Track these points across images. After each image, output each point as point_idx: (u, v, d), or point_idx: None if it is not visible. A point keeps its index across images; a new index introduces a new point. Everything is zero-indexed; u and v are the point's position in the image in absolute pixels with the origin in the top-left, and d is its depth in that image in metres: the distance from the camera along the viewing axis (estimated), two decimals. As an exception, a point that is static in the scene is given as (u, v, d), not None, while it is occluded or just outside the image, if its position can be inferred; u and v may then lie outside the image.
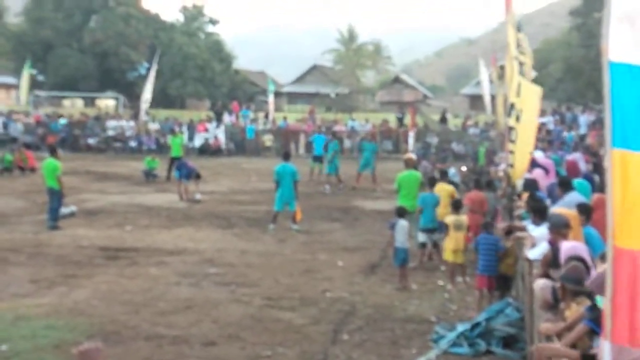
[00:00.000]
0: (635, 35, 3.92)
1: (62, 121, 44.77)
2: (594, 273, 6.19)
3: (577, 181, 12.19)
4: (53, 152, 19.56)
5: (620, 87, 3.91)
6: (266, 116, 48.62)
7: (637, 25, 3.92)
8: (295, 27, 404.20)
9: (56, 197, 18.52)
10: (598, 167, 15.77)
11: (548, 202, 11.08)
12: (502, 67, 24.37)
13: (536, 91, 13.78)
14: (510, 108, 14.04)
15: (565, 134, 30.94)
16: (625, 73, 3.90)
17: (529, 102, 13.68)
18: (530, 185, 12.52)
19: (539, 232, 9.05)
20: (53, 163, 18.66)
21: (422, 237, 15.26)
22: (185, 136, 39.52)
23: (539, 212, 9.73)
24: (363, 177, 27.75)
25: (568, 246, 6.88)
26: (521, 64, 14.14)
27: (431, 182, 16.11)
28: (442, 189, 15.78)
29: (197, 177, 23.94)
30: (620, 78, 3.91)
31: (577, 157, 18.29)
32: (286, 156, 19.83)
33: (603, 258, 5.41)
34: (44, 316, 11.08)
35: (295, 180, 18.90)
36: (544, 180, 13.57)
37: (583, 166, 17.24)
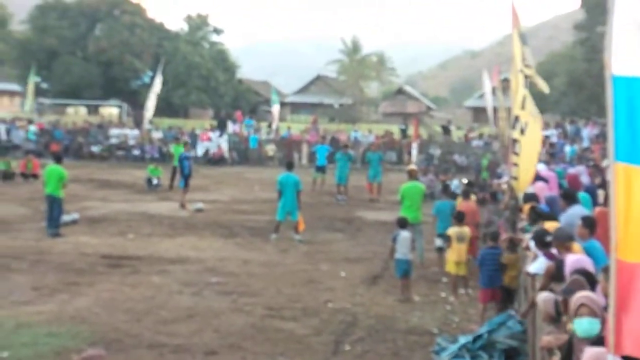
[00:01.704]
0: (637, 49, 3.93)
1: (32, 129, 44.52)
2: (598, 286, 6.20)
3: (580, 194, 12.20)
4: (59, 159, 19.55)
5: (622, 101, 3.92)
6: (269, 126, 48.68)
7: (633, 39, 3.94)
8: (299, 37, 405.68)
9: (57, 204, 18.50)
10: (603, 181, 15.76)
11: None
12: (506, 80, 24.41)
13: (537, 117, 13.83)
14: (514, 121, 14.06)
15: (567, 147, 30.92)
16: (628, 86, 3.92)
17: (534, 115, 13.70)
18: (531, 198, 12.52)
19: (532, 245, 9.09)
20: (59, 170, 18.64)
21: (439, 242, 15.37)
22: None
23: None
24: (375, 187, 27.81)
25: (573, 259, 6.88)
26: (526, 76, 14.15)
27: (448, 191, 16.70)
28: None
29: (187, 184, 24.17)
30: (622, 91, 3.92)
31: (580, 170, 18.30)
32: (289, 166, 19.85)
33: (606, 271, 5.41)
34: (46, 323, 11.09)
35: (298, 190, 18.91)
36: (545, 193, 13.57)
37: (586, 179, 17.25)
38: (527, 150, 13.75)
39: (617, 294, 3.89)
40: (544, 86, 14.49)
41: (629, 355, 3.97)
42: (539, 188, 13.57)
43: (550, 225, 9.11)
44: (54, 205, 18.48)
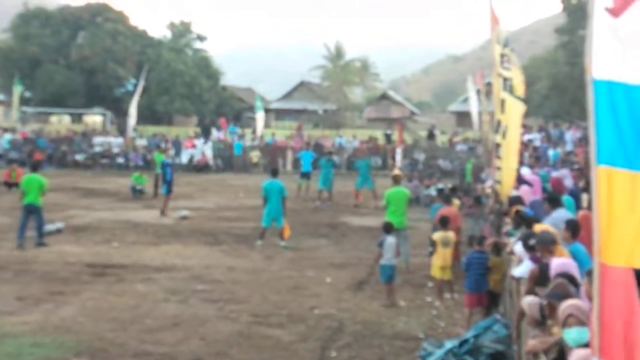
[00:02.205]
0: (616, 52, 3.96)
1: (7, 137, 44.36)
2: (582, 290, 6.22)
3: (564, 198, 12.25)
4: (36, 168, 19.37)
5: (603, 104, 3.95)
6: (254, 132, 48.69)
7: (617, 42, 3.97)
8: (282, 43, 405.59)
9: (38, 213, 18.36)
10: (587, 184, 15.84)
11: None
12: (489, 84, 24.53)
13: (519, 107, 13.85)
14: (497, 125, 14.13)
15: (550, 151, 31.04)
16: (608, 90, 3.95)
17: (513, 118, 13.76)
18: (516, 201, 12.57)
19: (520, 249, 9.11)
20: (38, 179, 18.46)
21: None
22: (172, 152, 39.58)
23: (527, 227, 9.77)
24: (362, 194, 27.86)
25: (558, 262, 6.91)
26: (505, 80, 14.18)
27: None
28: None
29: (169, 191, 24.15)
30: (603, 95, 3.95)
31: (563, 173, 18.36)
32: (274, 172, 19.84)
33: (590, 275, 5.43)
34: (31, 333, 11.02)
35: (283, 197, 18.92)
36: (529, 196, 13.62)
37: (569, 183, 17.32)
38: (508, 154, 13.82)
39: (601, 297, 3.91)
40: (519, 89, 14.46)
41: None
42: (524, 192, 13.62)
43: (539, 228, 9.13)
44: (36, 215, 18.31)
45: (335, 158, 40.27)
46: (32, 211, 18.26)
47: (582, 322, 5.29)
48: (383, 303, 13.37)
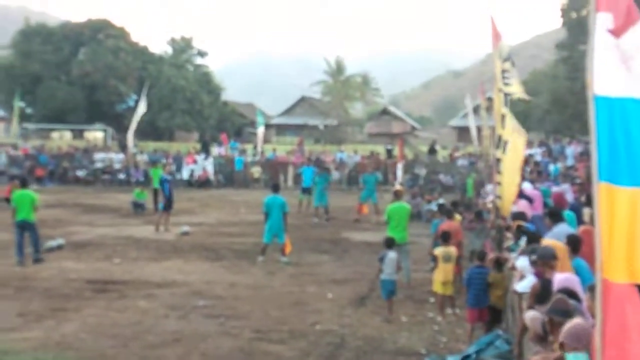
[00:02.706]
0: (617, 69, 3.98)
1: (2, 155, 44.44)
2: (584, 305, 6.21)
3: (565, 213, 12.26)
4: (25, 183, 19.26)
5: (604, 120, 3.97)
6: (255, 148, 48.75)
7: (618, 59, 3.99)
8: (282, 56, 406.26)
9: (33, 229, 18.28)
10: (588, 199, 15.85)
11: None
12: (490, 99, 24.58)
13: (520, 133, 13.87)
14: (497, 140, 14.15)
15: (551, 166, 31.04)
16: (608, 106, 3.96)
17: (514, 134, 13.78)
18: (518, 217, 12.57)
19: (525, 264, 9.08)
20: (29, 195, 18.30)
21: None
22: (173, 167, 39.66)
23: (530, 243, 9.77)
24: (366, 207, 27.86)
25: (561, 278, 6.90)
26: (506, 95, 14.21)
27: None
28: None
29: (169, 206, 24.19)
30: (604, 111, 3.97)
31: (564, 188, 18.38)
32: (275, 188, 19.82)
33: (592, 290, 5.42)
34: (32, 350, 11.00)
35: (284, 212, 18.90)
36: (529, 211, 13.62)
37: (570, 198, 17.33)
38: (509, 169, 13.83)
39: (604, 313, 3.90)
40: (521, 93, 14.45)
41: None
42: (522, 207, 13.63)
43: (546, 243, 9.09)
44: (30, 231, 18.25)
45: (334, 172, 40.48)
46: (26, 227, 18.15)
47: (575, 348, 5.27)
48: (384, 318, 13.35)
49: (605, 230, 3.88)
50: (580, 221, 13.23)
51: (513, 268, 10.29)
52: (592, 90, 4.02)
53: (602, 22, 4.00)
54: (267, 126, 69.72)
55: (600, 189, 3.92)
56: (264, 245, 18.94)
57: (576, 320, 5.40)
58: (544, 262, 8.01)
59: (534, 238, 9.86)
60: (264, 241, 18.98)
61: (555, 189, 18.36)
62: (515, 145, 13.78)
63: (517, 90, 14.26)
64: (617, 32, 3.96)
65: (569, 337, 5.30)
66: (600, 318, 3.91)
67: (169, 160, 39.94)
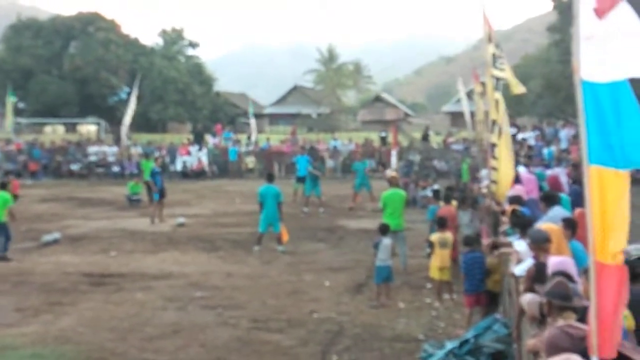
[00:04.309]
0: (602, 54, 4.00)
1: None
2: (578, 287, 6.23)
3: (561, 196, 12.26)
4: (3, 186, 19.15)
5: (591, 104, 3.99)
6: (249, 138, 48.67)
7: (602, 43, 4.00)
8: (274, 46, 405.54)
9: (4, 229, 18.16)
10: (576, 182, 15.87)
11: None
12: (483, 84, 24.56)
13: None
14: (492, 125, 14.15)
15: (545, 149, 31.12)
16: (594, 91, 3.98)
17: (505, 117, 13.81)
18: (515, 200, 12.58)
19: (524, 248, 9.09)
20: (4, 196, 18.29)
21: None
22: (167, 160, 39.61)
23: (522, 228, 9.78)
24: (360, 197, 27.88)
25: (556, 261, 6.91)
26: (498, 79, 14.22)
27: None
28: None
29: (163, 196, 24.20)
30: (590, 95, 3.99)
31: (559, 171, 18.39)
32: (270, 178, 19.83)
33: (586, 273, 5.44)
34: (30, 345, 11.02)
35: (279, 202, 18.90)
36: (525, 196, 13.62)
37: (565, 180, 17.34)
38: (505, 154, 13.84)
39: (598, 295, 3.93)
40: (517, 87, 14.50)
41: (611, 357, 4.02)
42: (517, 191, 13.63)
43: (545, 227, 9.07)
44: (2, 231, 18.17)
45: (328, 161, 40.47)
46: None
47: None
48: (378, 303, 13.39)
49: (596, 212, 3.90)
50: (577, 204, 13.23)
51: (504, 253, 10.36)
52: (579, 75, 4.04)
53: (586, 1, 4.01)
54: (260, 116, 69.64)
55: (591, 172, 3.94)
56: (260, 234, 18.97)
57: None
58: (537, 245, 8.02)
59: (526, 223, 9.86)
60: (259, 231, 19.01)
61: (549, 172, 18.36)
62: (507, 130, 13.81)
63: (512, 83, 14.28)
64: (600, 12, 3.98)
65: (546, 346, 5.34)
66: (594, 300, 3.94)
67: (161, 152, 39.85)
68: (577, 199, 13.76)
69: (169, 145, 45.16)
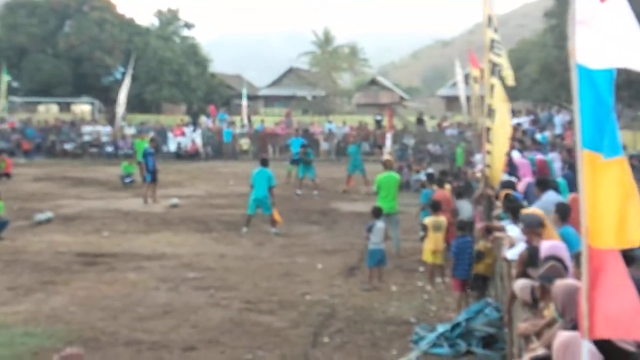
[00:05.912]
0: (591, 39, 3.98)
1: None
2: (570, 272, 6.23)
3: (558, 180, 12.27)
4: None
5: (586, 89, 3.98)
6: (247, 120, 48.55)
7: (591, 29, 3.98)
8: (270, 29, 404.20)
9: None
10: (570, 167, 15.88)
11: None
12: (482, 70, 24.52)
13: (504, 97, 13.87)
14: (487, 109, 14.13)
15: (538, 134, 31.10)
16: (589, 76, 3.97)
17: (501, 103, 13.78)
18: (508, 185, 12.58)
19: (517, 232, 9.10)
20: None
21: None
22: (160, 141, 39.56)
23: (514, 212, 9.79)
24: (353, 179, 27.88)
25: (548, 245, 6.91)
26: (495, 65, 14.18)
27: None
28: None
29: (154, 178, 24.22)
30: (586, 79, 3.98)
31: (553, 157, 18.40)
32: (264, 162, 19.79)
33: (577, 258, 5.44)
34: (22, 323, 11.02)
35: (270, 186, 18.89)
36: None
37: (559, 166, 17.35)
38: (499, 138, 13.83)
39: (589, 279, 3.92)
40: (510, 79, 14.46)
41: (602, 338, 4.02)
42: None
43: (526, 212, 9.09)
44: None
45: (323, 143, 40.41)
46: None
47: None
48: (370, 286, 13.42)
49: (589, 197, 3.90)
50: (571, 189, 13.23)
51: (497, 238, 10.37)
52: (574, 59, 4.02)
53: None
54: (255, 98, 69.43)
55: (584, 157, 3.93)
56: (248, 216, 18.98)
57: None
58: (530, 229, 8.03)
59: (516, 209, 9.86)
60: (247, 212, 19.02)
61: (539, 156, 18.33)
62: (503, 114, 13.78)
63: (507, 73, 14.25)
64: None
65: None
66: (586, 284, 3.93)
67: (154, 135, 39.75)
68: (571, 185, 13.81)
69: (159, 127, 44.91)
